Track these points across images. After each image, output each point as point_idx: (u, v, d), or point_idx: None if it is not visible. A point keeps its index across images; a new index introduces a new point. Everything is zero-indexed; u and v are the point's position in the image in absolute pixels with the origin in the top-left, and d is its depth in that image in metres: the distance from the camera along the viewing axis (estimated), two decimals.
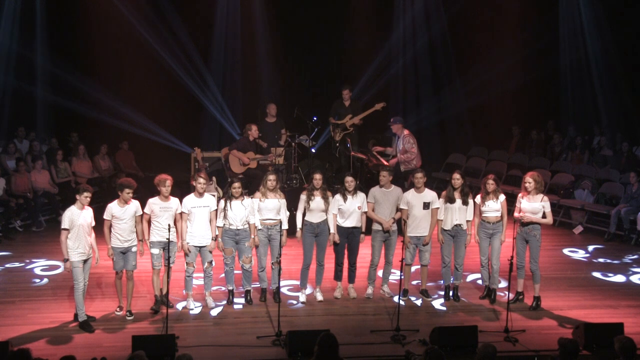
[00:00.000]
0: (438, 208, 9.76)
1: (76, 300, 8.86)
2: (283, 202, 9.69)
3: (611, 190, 13.76)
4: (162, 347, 7.96)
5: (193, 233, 9.38)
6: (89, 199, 8.92)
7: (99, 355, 7.47)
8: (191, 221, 9.37)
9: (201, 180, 9.34)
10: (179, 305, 9.56)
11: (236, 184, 9.57)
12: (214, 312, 9.42)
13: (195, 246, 9.40)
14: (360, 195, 9.81)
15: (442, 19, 17.10)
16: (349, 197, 9.71)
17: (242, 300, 9.72)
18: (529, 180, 9.51)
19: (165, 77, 16.43)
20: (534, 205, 9.47)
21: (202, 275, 9.65)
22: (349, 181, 9.69)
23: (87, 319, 8.86)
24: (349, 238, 9.81)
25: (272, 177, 9.64)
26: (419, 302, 9.87)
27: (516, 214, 9.63)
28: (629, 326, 8.67)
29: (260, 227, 9.61)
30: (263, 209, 9.59)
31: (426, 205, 9.72)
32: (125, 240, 9.09)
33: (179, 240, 9.36)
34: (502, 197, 9.74)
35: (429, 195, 9.78)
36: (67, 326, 8.90)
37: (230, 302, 9.65)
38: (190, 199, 9.41)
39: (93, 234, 9.01)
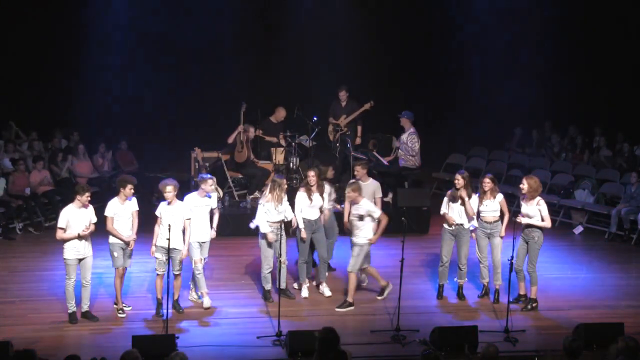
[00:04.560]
0: (375, 216, 9.47)
1: (66, 295, 9.00)
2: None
3: (611, 190, 13.75)
4: (162, 347, 7.93)
5: (195, 230, 9.37)
6: (89, 199, 8.98)
7: (99, 355, 7.46)
8: (194, 219, 9.36)
9: (210, 182, 9.45)
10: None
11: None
12: (214, 312, 9.43)
13: (198, 242, 9.42)
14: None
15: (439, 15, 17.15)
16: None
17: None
18: (524, 183, 9.52)
19: (166, 76, 16.43)
20: (531, 209, 9.48)
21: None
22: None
23: (74, 312, 9.03)
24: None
25: (284, 181, 9.81)
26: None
27: (518, 217, 9.62)
28: (629, 326, 8.66)
29: (271, 229, 9.62)
30: (281, 211, 9.65)
31: (361, 218, 9.50)
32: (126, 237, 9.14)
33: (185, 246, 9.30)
34: (500, 196, 9.74)
35: (363, 207, 9.45)
36: (67, 326, 8.92)
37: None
38: (192, 197, 9.44)
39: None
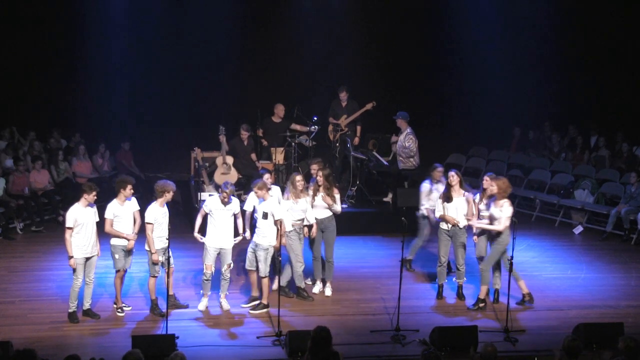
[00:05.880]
0: (275, 217, 9.31)
1: (71, 294, 8.99)
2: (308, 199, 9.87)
3: (611, 190, 13.75)
4: (162, 347, 7.95)
5: (214, 235, 9.32)
6: (95, 197, 8.98)
7: (99, 355, 7.47)
8: (214, 223, 9.30)
9: (227, 192, 9.18)
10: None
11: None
12: (214, 312, 9.43)
13: (215, 248, 9.35)
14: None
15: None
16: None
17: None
18: (493, 185, 9.44)
19: (166, 76, 16.43)
20: (497, 211, 9.38)
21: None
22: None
23: (75, 312, 9.01)
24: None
25: (299, 177, 9.73)
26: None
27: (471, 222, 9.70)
28: (629, 326, 8.68)
29: (291, 228, 9.64)
30: (296, 210, 9.67)
31: (265, 215, 9.37)
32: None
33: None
34: None
35: (267, 205, 9.34)
36: (67, 326, 8.92)
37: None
38: (215, 201, 9.35)
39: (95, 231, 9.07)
